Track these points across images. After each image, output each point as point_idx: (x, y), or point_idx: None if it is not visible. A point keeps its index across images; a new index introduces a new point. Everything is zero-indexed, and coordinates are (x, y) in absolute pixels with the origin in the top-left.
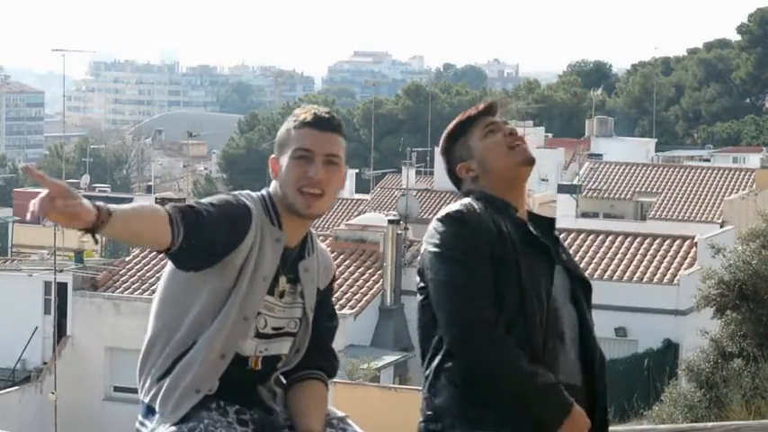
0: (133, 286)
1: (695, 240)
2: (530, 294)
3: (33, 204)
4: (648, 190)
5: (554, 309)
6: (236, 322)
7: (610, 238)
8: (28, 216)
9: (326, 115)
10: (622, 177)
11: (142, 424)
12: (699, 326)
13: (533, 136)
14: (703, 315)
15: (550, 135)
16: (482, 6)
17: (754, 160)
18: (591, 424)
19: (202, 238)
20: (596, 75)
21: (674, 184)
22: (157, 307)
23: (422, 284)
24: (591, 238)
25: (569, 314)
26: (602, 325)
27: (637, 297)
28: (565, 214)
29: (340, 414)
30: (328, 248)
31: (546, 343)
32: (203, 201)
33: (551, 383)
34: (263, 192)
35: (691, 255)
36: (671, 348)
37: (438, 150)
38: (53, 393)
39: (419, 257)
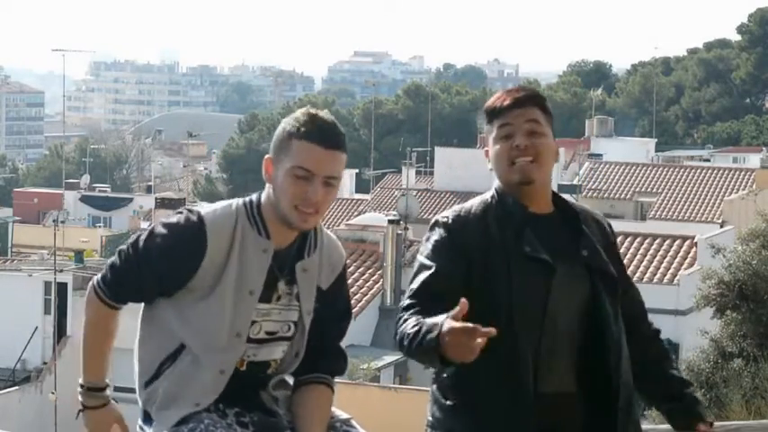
0: None
1: (695, 240)
2: (520, 308)
3: None
4: (648, 190)
5: (551, 319)
6: (229, 339)
7: None
8: None
9: (331, 128)
10: (622, 177)
11: (141, 429)
12: (699, 326)
13: None
14: (703, 315)
15: None
16: (482, 6)
17: (754, 160)
18: (586, 425)
19: (148, 287)
20: (596, 75)
21: (674, 184)
22: (140, 319)
23: None
24: None
25: (573, 321)
26: None
27: None
28: None
29: (344, 416)
30: None
31: (537, 354)
32: (140, 240)
33: (416, 332)
34: (252, 198)
35: (691, 255)
36: (671, 348)
37: None
38: (53, 393)
39: None
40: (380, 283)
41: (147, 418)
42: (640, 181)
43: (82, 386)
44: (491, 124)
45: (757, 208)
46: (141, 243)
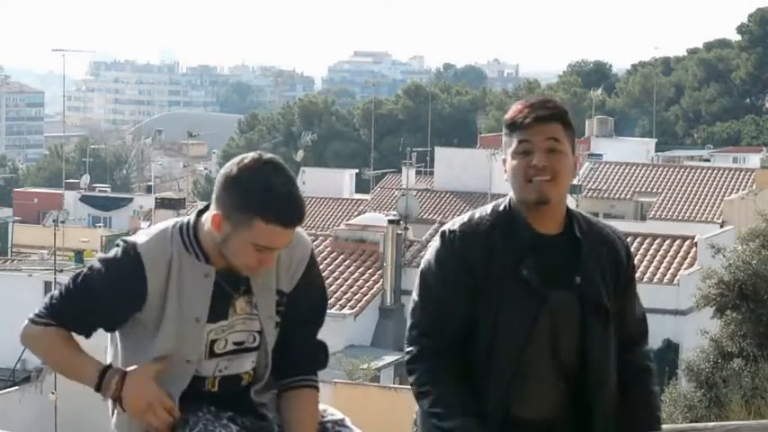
0: None
1: (695, 240)
2: (503, 332)
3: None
4: (648, 190)
5: (536, 346)
6: (177, 367)
7: None
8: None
9: (292, 203)
10: (622, 177)
11: None
12: (699, 326)
13: None
14: (703, 315)
15: None
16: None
17: (754, 160)
18: None
19: (88, 318)
20: (596, 75)
21: (674, 184)
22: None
23: None
24: None
25: (560, 349)
26: None
27: None
28: None
29: (338, 416)
30: (328, 248)
31: (517, 379)
32: (79, 276)
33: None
34: (186, 222)
35: (691, 255)
36: (671, 348)
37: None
38: (53, 393)
39: None
40: (380, 283)
41: None
42: (640, 181)
43: (96, 389)
44: (510, 137)
45: (757, 208)
46: (81, 278)
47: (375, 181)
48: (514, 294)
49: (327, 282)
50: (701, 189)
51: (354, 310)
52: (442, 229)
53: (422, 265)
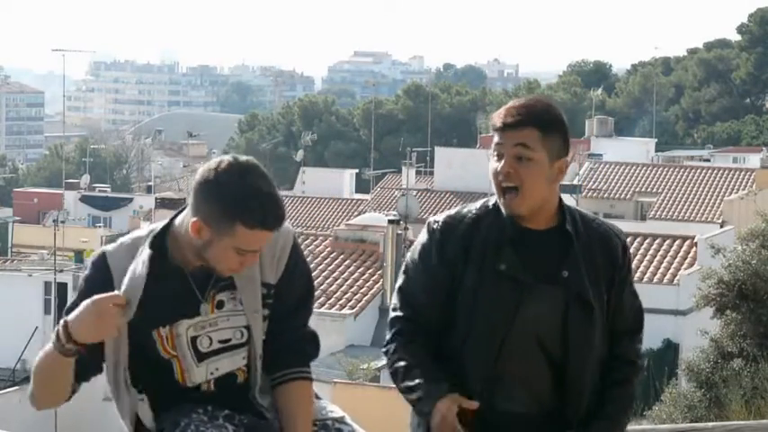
0: None
1: (695, 240)
2: (479, 325)
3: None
4: (648, 190)
5: (515, 339)
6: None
7: None
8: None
9: (274, 206)
10: (622, 177)
11: None
12: (699, 326)
13: None
14: (703, 315)
15: None
16: (482, 6)
17: (754, 160)
18: None
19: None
20: (596, 75)
21: (674, 184)
22: None
23: None
24: None
25: (544, 342)
26: None
27: None
28: None
29: (338, 414)
30: (328, 248)
31: (494, 372)
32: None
33: (411, 386)
34: (158, 229)
35: (691, 255)
36: (671, 348)
37: None
38: None
39: None
40: (380, 283)
41: None
42: (640, 181)
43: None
44: (494, 138)
45: (757, 208)
46: (74, 300)
47: (375, 181)
48: (492, 286)
49: (327, 282)
50: (701, 189)
51: (354, 310)
52: (428, 220)
53: (407, 255)
